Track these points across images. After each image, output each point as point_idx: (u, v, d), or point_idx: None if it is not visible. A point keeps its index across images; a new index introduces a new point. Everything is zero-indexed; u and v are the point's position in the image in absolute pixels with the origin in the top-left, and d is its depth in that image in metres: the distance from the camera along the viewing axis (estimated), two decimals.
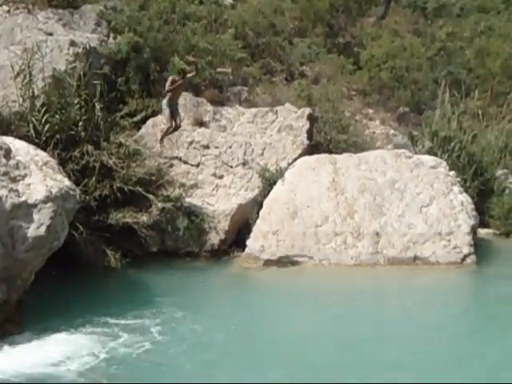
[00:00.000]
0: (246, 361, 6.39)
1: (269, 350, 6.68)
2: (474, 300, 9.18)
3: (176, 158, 12.20)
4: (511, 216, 13.01)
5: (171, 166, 11.85)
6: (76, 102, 10.22)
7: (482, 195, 13.31)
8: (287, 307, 8.41)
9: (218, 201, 11.88)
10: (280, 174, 11.92)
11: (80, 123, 10.08)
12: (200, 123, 12.60)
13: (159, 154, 11.42)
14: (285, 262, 10.69)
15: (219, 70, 13.71)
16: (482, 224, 12.71)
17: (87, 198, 9.39)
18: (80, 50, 11.72)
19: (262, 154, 12.50)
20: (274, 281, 9.92)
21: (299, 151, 12.57)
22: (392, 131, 15.33)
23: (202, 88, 13.45)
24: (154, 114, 12.44)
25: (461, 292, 9.58)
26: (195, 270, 10.25)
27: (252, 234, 11.27)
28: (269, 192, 11.72)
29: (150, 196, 10.13)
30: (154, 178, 10.51)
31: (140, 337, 6.85)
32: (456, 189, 11.51)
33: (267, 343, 6.92)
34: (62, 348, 6.43)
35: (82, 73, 10.67)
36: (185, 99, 12.63)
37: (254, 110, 13.20)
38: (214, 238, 11.34)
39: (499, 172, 14.00)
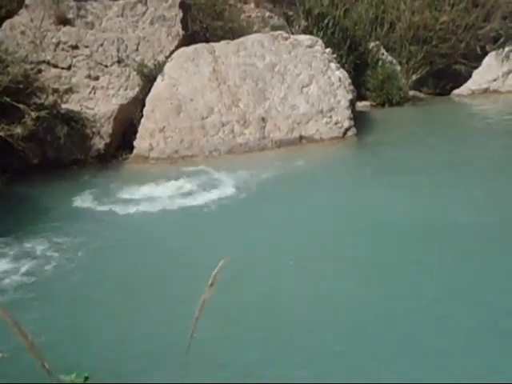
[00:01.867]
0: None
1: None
2: (359, 166, 9.78)
3: (43, 62, 11.31)
4: (385, 87, 13.64)
5: (39, 71, 11.00)
6: None
7: (358, 69, 13.75)
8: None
9: (98, 103, 11.35)
10: (159, 68, 11.50)
11: None
12: (64, 21, 11.62)
13: (23, 59, 10.49)
14: (175, 157, 10.66)
15: None
16: (360, 97, 13.28)
17: None
18: None
19: (137, 50, 11.91)
20: (166, 175, 9.74)
21: (176, 43, 12.12)
22: (267, 13, 15.07)
23: None
24: (10, 14, 11.26)
25: (345, 161, 10.16)
26: (83, 176, 9.93)
27: (138, 135, 11.02)
28: (150, 89, 11.34)
29: (21, 106, 9.43)
30: (21, 85, 9.70)
31: (26, 256, 6.62)
32: (333, 65, 11.78)
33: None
34: None
35: None
36: None
37: (121, 2, 12.32)
38: (99, 143, 10.96)
39: (372, 44, 14.39)
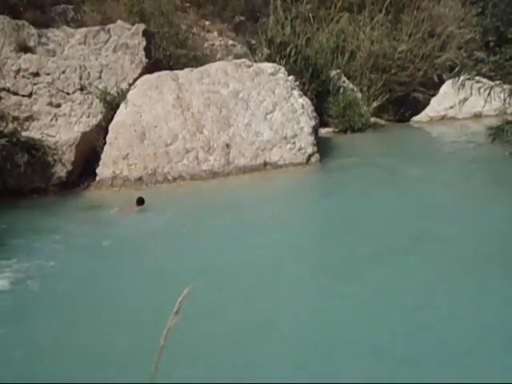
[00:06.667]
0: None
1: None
2: (321, 190, 9.99)
3: (3, 89, 11.13)
4: (347, 114, 13.90)
5: None
6: None
7: (320, 96, 13.99)
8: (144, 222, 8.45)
9: (59, 131, 11.19)
10: (122, 96, 11.46)
11: None
12: (25, 49, 11.50)
13: None
14: (139, 184, 10.56)
15: None
16: (323, 124, 13.49)
17: None
18: None
19: (100, 77, 11.85)
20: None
21: (139, 70, 12.12)
22: (230, 42, 15.28)
23: (20, 9, 12.15)
24: None
25: (309, 186, 10.32)
26: (42, 205, 9.69)
27: (101, 162, 10.89)
28: (113, 116, 11.27)
29: None
30: None
31: None
32: (296, 93, 11.95)
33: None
34: None
35: None
36: (2, 23, 11.38)
37: (83, 29, 12.31)
38: (61, 171, 10.78)
39: (333, 73, 14.70)
